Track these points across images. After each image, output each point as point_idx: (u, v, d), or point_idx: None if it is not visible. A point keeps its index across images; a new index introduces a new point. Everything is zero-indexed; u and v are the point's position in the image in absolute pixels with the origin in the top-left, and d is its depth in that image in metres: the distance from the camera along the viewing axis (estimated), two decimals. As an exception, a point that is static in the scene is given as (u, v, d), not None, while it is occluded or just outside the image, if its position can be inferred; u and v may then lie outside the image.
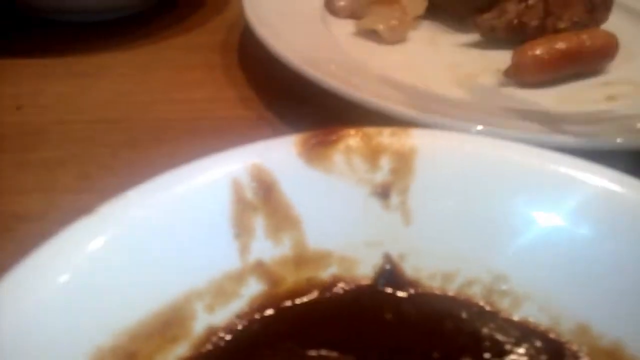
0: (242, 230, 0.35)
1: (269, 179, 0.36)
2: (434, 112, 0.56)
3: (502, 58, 0.69)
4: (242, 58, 0.76)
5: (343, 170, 0.37)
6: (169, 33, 0.82)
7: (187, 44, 0.80)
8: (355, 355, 0.33)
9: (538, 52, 0.65)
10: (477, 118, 0.56)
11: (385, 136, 0.38)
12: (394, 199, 0.37)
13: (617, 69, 0.71)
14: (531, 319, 0.35)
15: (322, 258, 0.36)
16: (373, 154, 0.38)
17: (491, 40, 0.76)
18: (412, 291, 0.37)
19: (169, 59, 0.76)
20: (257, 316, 0.34)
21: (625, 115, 0.62)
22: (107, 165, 0.55)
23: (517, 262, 0.35)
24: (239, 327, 0.34)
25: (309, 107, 0.63)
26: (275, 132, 0.38)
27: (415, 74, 0.69)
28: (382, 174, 0.37)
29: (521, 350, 0.33)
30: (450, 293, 0.37)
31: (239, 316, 0.34)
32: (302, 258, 0.36)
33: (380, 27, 0.75)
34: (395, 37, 0.76)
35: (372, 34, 0.77)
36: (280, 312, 0.35)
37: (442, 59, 0.74)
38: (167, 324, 0.31)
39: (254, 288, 0.35)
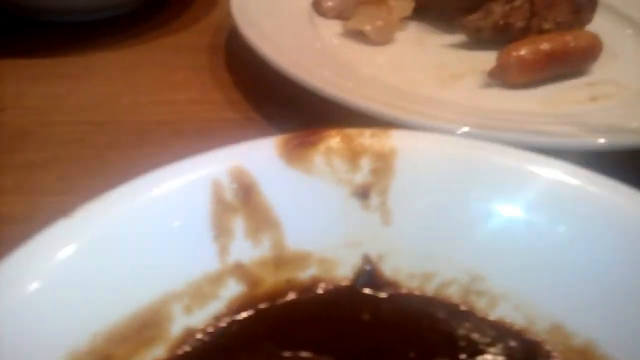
0: (221, 232, 0.35)
1: (249, 181, 0.36)
2: (419, 114, 0.56)
3: (488, 59, 0.69)
4: (229, 59, 0.76)
5: (323, 171, 0.37)
6: (157, 34, 0.82)
7: (175, 45, 0.80)
8: (333, 355, 0.33)
9: (522, 53, 0.65)
10: (462, 119, 0.56)
11: (366, 137, 0.38)
12: (374, 199, 0.38)
13: (601, 70, 0.72)
14: (507, 319, 0.35)
15: (301, 259, 0.37)
16: (353, 155, 0.38)
17: (477, 41, 0.77)
18: (391, 292, 0.37)
19: (157, 60, 0.76)
20: (235, 317, 0.34)
21: (609, 116, 0.63)
22: (90, 167, 0.55)
23: (494, 261, 0.36)
24: (217, 329, 0.34)
25: (296, 109, 0.63)
26: (262, 134, 0.38)
27: (402, 75, 0.70)
28: (362, 175, 0.38)
29: (496, 349, 0.34)
30: (429, 293, 0.37)
31: (217, 318, 0.34)
32: (281, 259, 0.36)
33: (367, 27, 0.75)
34: (382, 38, 0.76)
35: (359, 35, 0.77)
36: (259, 313, 0.35)
37: (428, 60, 0.75)
38: (144, 326, 0.31)
39: (233, 289, 0.35)
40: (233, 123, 0.64)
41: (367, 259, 0.38)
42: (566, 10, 0.74)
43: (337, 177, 0.37)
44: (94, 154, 0.58)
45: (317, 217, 0.37)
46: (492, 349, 0.34)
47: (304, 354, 0.33)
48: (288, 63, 0.62)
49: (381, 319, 0.36)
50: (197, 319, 0.34)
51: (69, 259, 0.30)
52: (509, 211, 0.36)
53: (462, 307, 0.36)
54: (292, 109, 0.64)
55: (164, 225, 0.33)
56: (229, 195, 0.35)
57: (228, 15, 0.73)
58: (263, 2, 0.77)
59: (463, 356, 0.33)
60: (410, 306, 0.36)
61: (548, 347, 0.34)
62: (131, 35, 0.80)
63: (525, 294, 0.35)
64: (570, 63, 0.68)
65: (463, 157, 0.37)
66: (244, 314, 0.34)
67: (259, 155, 0.36)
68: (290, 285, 0.36)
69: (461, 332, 0.35)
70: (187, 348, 0.33)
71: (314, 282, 0.37)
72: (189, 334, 0.33)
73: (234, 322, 0.34)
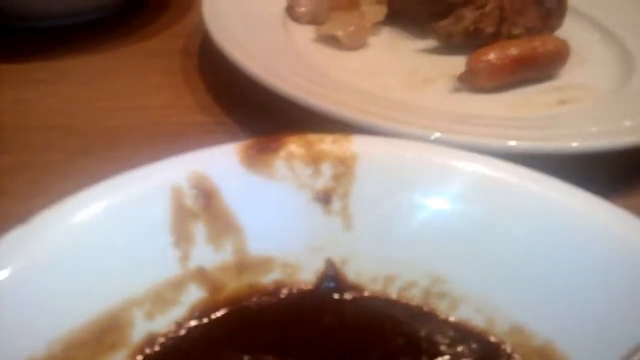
0: (182, 238, 0.35)
1: (209, 186, 0.36)
2: (390, 119, 0.56)
3: (460, 63, 0.70)
4: (202, 64, 0.76)
5: (285, 177, 0.38)
6: (131, 39, 0.82)
7: (149, 50, 0.80)
8: (294, 359, 0.33)
9: (491, 57, 0.66)
10: (431, 124, 0.57)
11: (327, 143, 0.39)
12: (336, 204, 0.38)
13: (569, 74, 0.73)
14: (468, 321, 0.36)
15: (264, 264, 0.37)
16: (315, 160, 0.38)
17: (449, 46, 0.78)
18: (354, 295, 0.37)
19: (130, 64, 0.76)
20: (197, 322, 0.34)
21: (577, 119, 0.64)
22: (60, 171, 0.55)
23: (453, 263, 0.36)
24: (179, 334, 0.34)
25: (268, 114, 0.64)
26: (233, 138, 0.38)
27: (374, 80, 0.70)
28: (323, 180, 0.38)
29: (457, 351, 0.34)
30: (392, 296, 0.38)
31: (179, 323, 0.34)
32: (243, 264, 0.36)
33: (340, 33, 0.75)
34: (355, 43, 0.77)
35: (333, 40, 0.77)
36: (221, 318, 0.35)
37: (401, 65, 0.75)
38: (104, 332, 0.31)
39: (194, 295, 0.35)
40: (204, 127, 0.64)
41: (330, 263, 0.38)
42: (535, 15, 0.76)
43: (298, 182, 0.38)
44: (64, 158, 0.58)
45: (279, 222, 0.37)
46: (453, 350, 0.34)
47: (266, 358, 0.33)
48: (260, 69, 0.62)
49: (344, 322, 0.36)
50: (158, 324, 0.34)
51: (27, 266, 0.30)
52: (465, 212, 0.36)
53: (424, 309, 0.37)
54: (264, 114, 0.64)
55: (124, 231, 0.33)
56: (189, 201, 0.35)
57: (202, 20, 0.74)
58: (236, 7, 0.77)
59: (425, 358, 0.34)
60: (373, 309, 0.37)
61: (508, 348, 0.35)
62: (105, 40, 0.80)
63: (486, 296, 0.36)
64: (539, 67, 0.69)
65: (422, 161, 0.38)
66: (205, 319, 0.35)
67: (220, 161, 0.36)
68: (253, 290, 0.36)
69: (423, 334, 0.35)
70: (148, 352, 0.33)
71: (277, 287, 0.37)
72: (151, 339, 0.33)
73: (196, 327, 0.34)
